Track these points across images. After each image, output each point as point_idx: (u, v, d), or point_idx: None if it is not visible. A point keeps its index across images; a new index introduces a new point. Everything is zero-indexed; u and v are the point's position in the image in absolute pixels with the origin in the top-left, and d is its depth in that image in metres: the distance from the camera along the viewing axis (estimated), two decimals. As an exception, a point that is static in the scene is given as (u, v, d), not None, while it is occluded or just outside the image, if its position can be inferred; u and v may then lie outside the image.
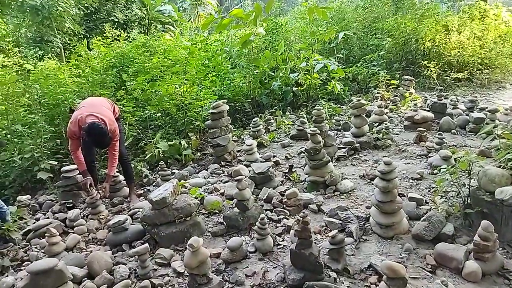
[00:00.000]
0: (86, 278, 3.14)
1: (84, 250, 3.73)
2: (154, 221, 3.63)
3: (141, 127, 6.79)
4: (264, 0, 16.82)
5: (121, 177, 5.09)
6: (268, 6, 7.38)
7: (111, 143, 4.47)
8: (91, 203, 4.45)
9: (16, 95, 6.51)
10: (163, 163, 5.35)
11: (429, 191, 4.18)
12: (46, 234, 3.57)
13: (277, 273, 3.04)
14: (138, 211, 4.27)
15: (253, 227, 3.67)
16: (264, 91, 8.53)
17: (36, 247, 3.95)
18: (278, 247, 3.46)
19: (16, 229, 4.02)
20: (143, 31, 14.91)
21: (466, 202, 3.46)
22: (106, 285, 3.03)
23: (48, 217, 4.52)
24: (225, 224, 3.86)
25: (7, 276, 3.43)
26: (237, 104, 8.15)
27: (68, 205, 4.81)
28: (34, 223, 4.27)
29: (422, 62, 9.68)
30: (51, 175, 5.55)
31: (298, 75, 8.22)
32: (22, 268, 3.59)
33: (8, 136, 6.15)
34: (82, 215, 4.49)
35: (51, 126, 6.26)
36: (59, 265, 2.90)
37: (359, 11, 12.11)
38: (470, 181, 3.48)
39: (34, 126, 6.15)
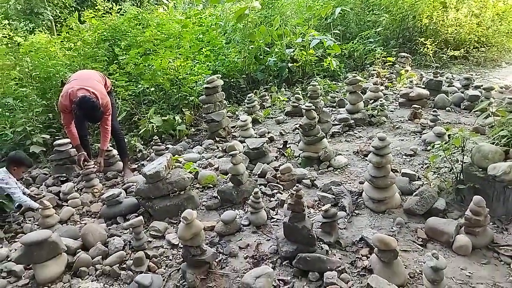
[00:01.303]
0: (80, 250, 3.16)
1: (78, 223, 3.75)
2: (148, 195, 3.64)
3: (134, 102, 6.71)
4: (260, -26, 16.34)
5: (115, 152, 5.07)
6: (264, -21, 7.21)
7: (103, 117, 4.42)
8: (86, 174, 4.45)
9: (7, 68, 6.38)
10: (157, 138, 5.32)
11: (422, 167, 4.21)
12: (40, 207, 3.57)
13: (270, 246, 3.08)
14: (132, 185, 4.27)
15: (247, 201, 3.70)
16: (259, 67, 8.43)
17: (30, 220, 3.96)
18: (272, 220, 3.49)
19: (9, 201, 4.00)
20: (135, 4, 14.52)
21: (458, 178, 3.49)
22: (100, 257, 3.06)
23: (42, 191, 4.50)
24: (219, 198, 3.87)
25: (1, 247, 3.45)
26: (232, 80, 8.06)
27: (61, 179, 4.80)
28: (28, 196, 4.26)
29: (419, 39, 9.58)
30: (44, 149, 5.52)
31: (293, 51, 8.11)
32: (16, 240, 3.61)
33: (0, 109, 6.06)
34: (76, 189, 4.48)
35: (43, 100, 6.17)
36: (53, 236, 2.91)
37: (357, -15, 11.86)
38: (463, 158, 3.51)
39: (26, 99, 6.06)
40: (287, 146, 5.03)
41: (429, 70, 8.77)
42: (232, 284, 2.70)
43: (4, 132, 5.71)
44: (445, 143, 3.63)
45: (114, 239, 3.23)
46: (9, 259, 3.24)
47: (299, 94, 6.89)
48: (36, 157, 5.63)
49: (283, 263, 2.85)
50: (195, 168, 4.37)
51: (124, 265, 2.96)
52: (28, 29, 12.75)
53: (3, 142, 5.79)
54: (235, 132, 5.98)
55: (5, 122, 5.85)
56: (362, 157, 4.61)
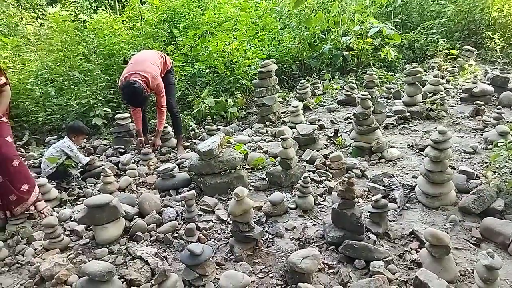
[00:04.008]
0: (137, 216, 3.38)
1: (135, 192, 3.98)
2: (200, 171, 3.78)
3: (189, 82, 6.91)
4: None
5: (170, 129, 5.28)
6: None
7: (158, 97, 4.66)
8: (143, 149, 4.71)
9: (73, 44, 6.78)
10: (210, 118, 5.47)
11: (481, 166, 4.01)
12: (102, 174, 3.82)
13: (317, 230, 3.10)
14: (185, 161, 4.44)
15: (294, 185, 3.73)
16: (313, 54, 8.32)
17: (91, 186, 4.25)
18: (319, 206, 3.50)
19: (74, 165, 4.32)
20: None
21: (521, 179, 3.30)
22: (155, 224, 3.24)
23: (102, 160, 4.81)
24: (267, 180, 3.94)
25: (65, 208, 3.75)
26: (284, 66, 8.02)
27: (120, 151, 5.09)
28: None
29: (486, 33, 8.96)
30: (105, 122, 5.86)
31: (350, 39, 7.90)
32: (78, 203, 3.90)
33: (66, 82, 6.49)
34: (133, 160, 4.74)
35: (106, 75, 6.52)
36: (114, 201, 3.12)
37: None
38: (527, 159, 3.30)
39: (90, 74, 6.43)
40: (338, 134, 4.98)
41: (494, 66, 8.19)
42: (277, 263, 2.77)
43: (69, 103, 6.11)
44: (508, 142, 3.44)
45: (167, 209, 3.42)
46: (72, 219, 3.52)
47: (353, 83, 6.74)
48: (98, 129, 5.99)
49: (329, 248, 2.87)
50: (245, 150, 4.45)
51: (176, 234, 3.13)
52: (92, 7, 13.40)
53: (68, 113, 6.21)
54: (285, 117, 5.99)
55: (71, 94, 6.26)
56: (417, 151, 4.46)
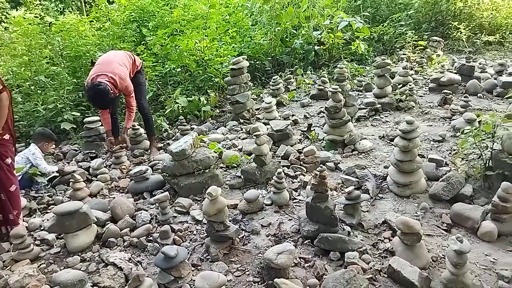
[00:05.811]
0: (109, 222, 3.30)
1: (107, 197, 3.88)
2: (174, 172, 3.72)
3: (160, 82, 6.81)
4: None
5: (142, 130, 5.18)
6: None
7: (127, 99, 4.55)
8: (116, 155, 4.58)
9: (39, 47, 6.56)
10: (183, 118, 5.40)
11: (450, 153, 4.12)
12: (71, 180, 3.72)
13: (292, 225, 3.11)
14: (158, 162, 4.36)
15: (269, 182, 3.74)
16: (285, 50, 8.34)
17: (61, 193, 4.13)
18: (294, 201, 3.52)
19: (40, 174, 4.19)
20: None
21: (487, 164, 3.40)
22: (128, 229, 3.18)
23: (72, 166, 4.67)
24: (242, 177, 3.92)
25: (35, 217, 3.63)
26: (257, 62, 8.01)
27: (91, 155, 4.96)
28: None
29: (452, 23, 9.21)
30: (74, 126, 5.69)
31: (321, 33, 7.96)
32: (48, 211, 3.78)
33: (32, 87, 6.27)
34: (104, 165, 4.63)
35: (73, 78, 6.34)
36: (84, 208, 3.04)
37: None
38: (493, 144, 3.41)
39: (57, 77, 6.23)
40: (312, 129, 5.01)
41: (461, 55, 8.44)
42: (253, 260, 2.76)
43: (36, 109, 5.91)
44: (475, 129, 3.54)
45: (141, 213, 3.36)
46: (42, 228, 3.40)
47: (325, 77, 6.79)
48: (67, 134, 5.83)
49: (304, 242, 2.88)
50: (219, 148, 4.42)
51: (151, 238, 3.07)
52: (59, 9, 13.01)
53: (35, 119, 6.00)
54: (259, 114, 5.99)
55: (37, 99, 6.06)
56: (388, 141, 4.54)
